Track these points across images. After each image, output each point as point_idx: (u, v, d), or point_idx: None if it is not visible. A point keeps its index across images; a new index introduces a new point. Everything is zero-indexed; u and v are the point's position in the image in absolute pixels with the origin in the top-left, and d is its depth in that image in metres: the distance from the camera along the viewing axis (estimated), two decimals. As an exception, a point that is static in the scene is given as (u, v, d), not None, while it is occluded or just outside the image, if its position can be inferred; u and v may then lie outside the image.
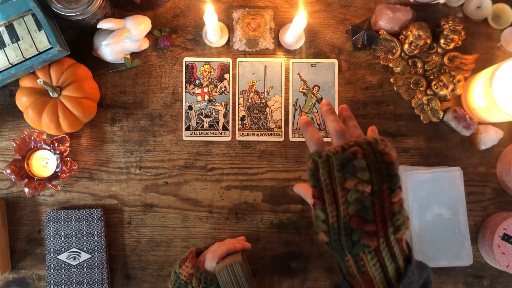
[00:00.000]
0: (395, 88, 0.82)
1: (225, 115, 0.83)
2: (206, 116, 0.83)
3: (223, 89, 0.83)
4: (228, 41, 0.83)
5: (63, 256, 0.79)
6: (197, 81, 0.83)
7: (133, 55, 0.83)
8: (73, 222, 0.79)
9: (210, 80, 0.83)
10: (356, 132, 0.54)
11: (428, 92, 0.81)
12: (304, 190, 0.58)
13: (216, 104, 0.83)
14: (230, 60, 0.83)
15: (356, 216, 0.44)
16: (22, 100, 0.73)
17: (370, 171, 0.45)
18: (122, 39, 0.76)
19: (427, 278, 0.49)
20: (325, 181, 0.47)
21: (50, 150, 0.77)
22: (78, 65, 0.76)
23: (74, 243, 0.79)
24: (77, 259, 0.79)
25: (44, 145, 0.77)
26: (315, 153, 0.48)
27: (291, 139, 0.82)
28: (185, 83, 0.83)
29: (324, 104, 0.57)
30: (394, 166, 0.46)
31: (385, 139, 0.48)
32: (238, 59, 0.83)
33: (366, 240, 0.44)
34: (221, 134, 0.82)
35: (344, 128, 0.52)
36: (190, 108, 0.83)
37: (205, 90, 0.83)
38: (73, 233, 0.79)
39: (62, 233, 0.79)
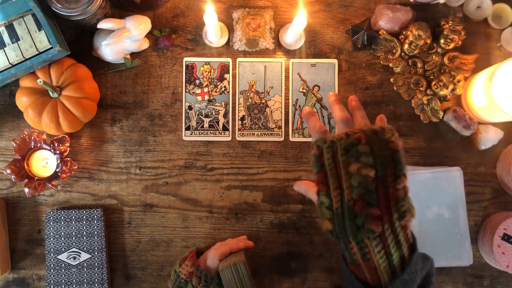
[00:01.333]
0: (395, 88, 0.82)
1: (225, 115, 0.83)
2: (206, 116, 0.83)
3: (223, 89, 0.83)
4: (228, 41, 0.83)
5: (63, 256, 0.79)
6: (197, 81, 0.83)
7: (133, 55, 0.83)
8: (73, 222, 0.79)
9: (210, 80, 0.83)
10: (363, 121, 0.55)
11: (428, 92, 0.81)
12: (305, 186, 0.58)
13: (216, 104, 0.83)
14: (230, 60, 0.83)
15: (360, 201, 0.44)
16: (22, 100, 0.73)
17: (374, 156, 0.45)
18: (122, 39, 0.76)
19: (430, 269, 0.49)
20: (329, 165, 0.47)
21: (50, 150, 0.77)
22: (78, 65, 0.76)
23: (74, 243, 0.79)
24: (77, 259, 0.79)
25: (44, 145, 0.77)
26: (319, 139, 0.49)
27: (291, 139, 0.82)
28: (185, 83, 0.83)
29: (331, 95, 0.59)
30: (399, 153, 0.45)
31: (393, 129, 0.48)
32: (238, 59, 0.83)
33: (371, 225, 0.43)
34: (221, 134, 0.82)
35: (349, 117, 0.54)
36: (190, 108, 0.83)
37: (205, 90, 0.83)
38: (73, 233, 0.79)
39: (62, 233, 0.79)
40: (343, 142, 0.46)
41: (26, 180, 0.76)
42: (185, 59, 0.83)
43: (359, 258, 0.46)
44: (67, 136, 0.78)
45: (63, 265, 0.79)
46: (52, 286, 0.79)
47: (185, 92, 0.83)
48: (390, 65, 0.82)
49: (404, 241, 0.46)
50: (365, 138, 0.46)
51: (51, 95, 0.73)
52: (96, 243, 0.79)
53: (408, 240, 0.46)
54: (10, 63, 0.71)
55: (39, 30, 0.72)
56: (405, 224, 0.45)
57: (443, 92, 0.80)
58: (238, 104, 0.83)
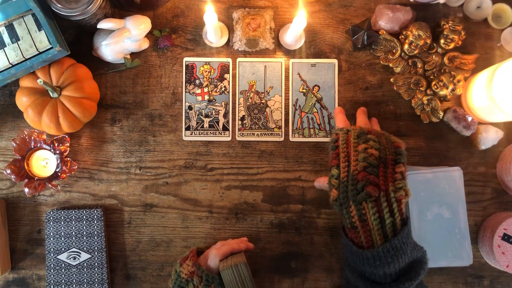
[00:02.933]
0: (395, 88, 0.82)
1: (225, 115, 0.83)
2: (206, 116, 0.83)
3: (223, 89, 0.83)
4: (228, 41, 0.83)
5: (63, 256, 0.79)
6: (197, 81, 0.83)
7: (133, 55, 0.83)
8: (73, 222, 0.79)
9: (210, 80, 0.83)
10: (377, 128, 0.68)
11: (428, 92, 0.81)
12: (323, 179, 0.64)
13: (216, 104, 0.83)
14: (230, 60, 0.83)
15: (363, 171, 0.53)
16: (22, 100, 0.73)
17: (379, 144, 0.56)
18: (122, 39, 0.76)
19: (422, 257, 0.55)
20: (342, 145, 0.58)
21: (50, 150, 0.77)
22: (78, 65, 0.76)
23: (74, 243, 0.79)
24: (77, 259, 0.79)
25: (44, 145, 0.77)
26: (339, 128, 0.62)
27: (291, 139, 0.82)
28: (185, 83, 0.83)
29: (361, 108, 0.74)
30: (401, 149, 0.56)
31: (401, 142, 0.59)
32: (238, 59, 0.83)
33: (369, 189, 0.51)
34: (221, 134, 0.82)
35: (368, 123, 0.67)
36: (190, 108, 0.83)
37: (205, 90, 0.83)
38: (73, 233, 0.79)
39: (62, 233, 0.79)
40: (357, 131, 0.59)
41: (26, 180, 0.76)
42: (185, 59, 0.83)
43: (357, 220, 0.53)
44: (67, 136, 0.78)
45: (63, 265, 0.79)
46: (52, 286, 0.79)
47: (185, 92, 0.83)
48: (390, 65, 0.82)
49: (397, 212, 0.52)
50: (375, 133, 0.58)
51: (51, 95, 0.73)
52: (96, 243, 0.79)
53: (401, 213, 0.53)
54: (10, 63, 0.71)
55: (39, 30, 0.72)
56: (399, 198, 0.52)
57: (443, 92, 0.80)
58: (238, 104, 0.83)
